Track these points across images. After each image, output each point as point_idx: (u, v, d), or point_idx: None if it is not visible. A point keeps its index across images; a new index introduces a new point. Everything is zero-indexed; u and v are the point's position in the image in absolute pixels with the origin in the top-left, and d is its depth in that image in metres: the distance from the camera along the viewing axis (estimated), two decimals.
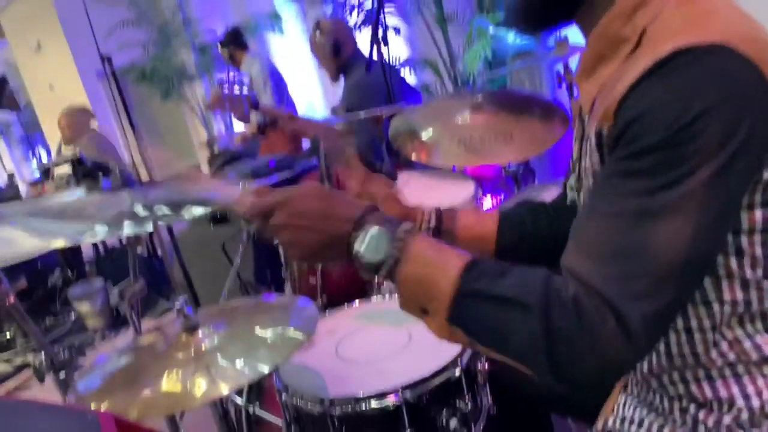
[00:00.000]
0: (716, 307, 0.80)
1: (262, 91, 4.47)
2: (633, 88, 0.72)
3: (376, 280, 0.83)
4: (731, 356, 0.81)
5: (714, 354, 0.82)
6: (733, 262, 0.77)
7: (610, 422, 1.00)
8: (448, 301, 0.76)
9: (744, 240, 0.77)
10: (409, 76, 4.87)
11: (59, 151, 5.10)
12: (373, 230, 0.82)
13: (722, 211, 0.71)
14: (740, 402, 0.81)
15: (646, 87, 0.71)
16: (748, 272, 0.78)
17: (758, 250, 0.77)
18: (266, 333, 1.19)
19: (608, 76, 0.80)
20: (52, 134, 8.42)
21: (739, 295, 0.79)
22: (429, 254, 0.80)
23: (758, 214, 0.75)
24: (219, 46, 4.79)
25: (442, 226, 1.16)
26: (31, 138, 9.65)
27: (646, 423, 0.92)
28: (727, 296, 0.79)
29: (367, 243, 0.82)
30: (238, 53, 4.72)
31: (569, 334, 0.69)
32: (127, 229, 1.24)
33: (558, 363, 0.69)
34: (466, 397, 1.24)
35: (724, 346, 0.81)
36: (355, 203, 0.87)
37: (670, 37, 0.72)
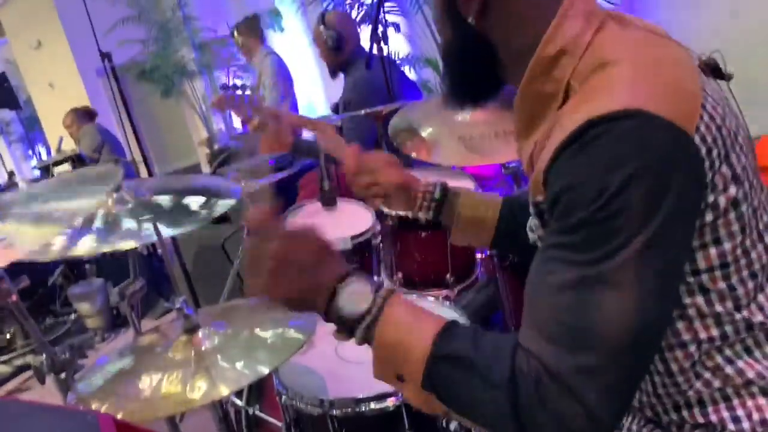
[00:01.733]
0: (693, 347, 0.80)
1: (270, 89, 4.41)
2: (553, 161, 0.72)
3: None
4: (716, 383, 0.81)
5: (699, 385, 0.82)
6: (701, 300, 0.78)
7: None
8: (423, 366, 0.76)
9: (705, 278, 0.77)
10: (409, 73, 4.86)
11: (59, 148, 5.10)
12: (357, 285, 0.82)
13: (665, 275, 0.71)
14: (731, 426, 0.81)
15: (565, 160, 0.71)
16: (718, 307, 0.78)
17: (721, 285, 0.77)
18: (266, 334, 1.19)
19: (542, 132, 0.80)
20: (52, 132, 8.42)
21: (715, 331, 0.79)
22: (406, 318, 0.79)
23: (713, 251, 0.75)
24: (235, 31, 4.64)
25: (445, 201, 1.16)
26: (31, 136, 9.65)
27: None
28: (702, 335, 0.79)
29: (349, 296, 0.81)
30: (252, 42, 4.62)
31: (533, 411, 0.69)
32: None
33: None
34: None
35: (708, 375, 0.81)
36: (344, 262, 0.86)
37: (582, 104, 0.72)
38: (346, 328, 0.82)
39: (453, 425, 1.20)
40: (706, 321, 0.78)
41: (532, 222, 0.94)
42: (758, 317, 0.79)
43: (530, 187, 0.80)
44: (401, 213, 1.90)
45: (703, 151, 0.71)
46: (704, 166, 0.71)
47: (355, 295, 0.81)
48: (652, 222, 0.67)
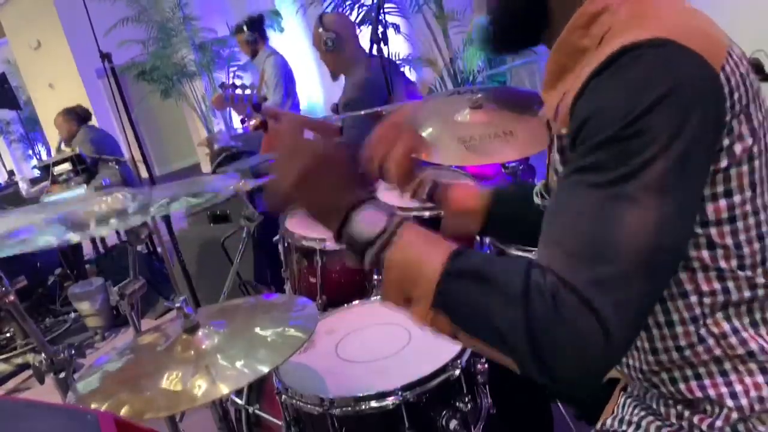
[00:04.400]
0: (694, 298, 0.81)
1: (273, 89, 4.40)
2: (584, 87, 0.75)
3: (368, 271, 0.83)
4: (717, 351, 0.82)
5: (700, 348, 0.82)
6: (706, 255, 0.79)
7: (608, 423, 1.00)
8: (435, 283, 0.76)
9: (713, 231, 0.78)
10: (409, 74, 4.87)
11: (59, 148, 5.09)
12: (373, 208, 0.83)
13: (684, 199, 0.73)
14: (729, 402, 0.82)
15: (595, 85, 0.74)
16: (722, 263, 0.79)
17: (729, 241, 0.78)
18: (266, 333, 1.19)
19: (570, 84, 0.82)
20: (52, 132, 8.42)
21: (716, 284, 0.80)
22: (418, 241, 0.80)
23: (722, 203, 0.77)
24: (244, 28, 4.62)
25: (434, 195, 1.18)
26: (31, 136, 9.66)
27: (644, 424, 0.92)
28: (704, 287, 0.80)
29: (364, 217, 0.82)
30: (259, 41, 4.61)
31: (548, 325, 0.69)
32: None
33: (539, 353, 0.69)
34: (466, 397, 1.24)
35: (711, 341, 0.82)
36: (366, 191, 0.87)
37: (618, 38, 0.75)
38: (357, 250, 0.83)
39: (453, 424, 1.20)
40: (708, 274, 0.80)
41: (540, 186, 0.97)
42: (761, 279, 0.80)
43: (555, 124, 0.82)
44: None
45: (726, 89, 0.74)
46: (725, 105, 0.74)
47: (368, 220, 0.82)
48: (676, 143, 0.70)
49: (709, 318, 0.81)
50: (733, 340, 0.81)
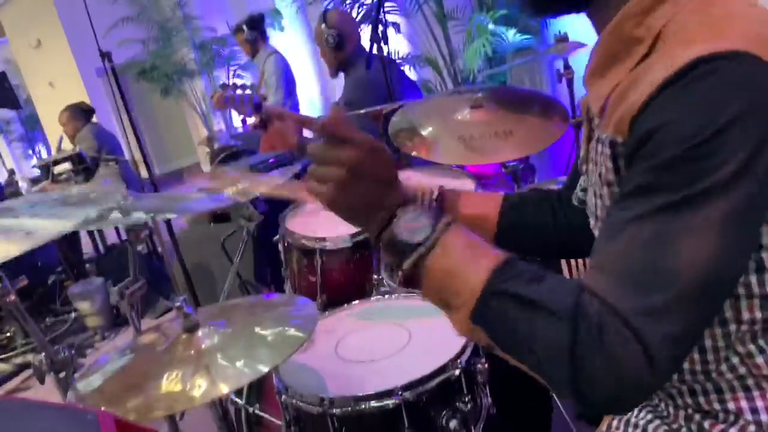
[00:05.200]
0: (733, 327, 0.77)
1: (273, 88, 4.39)
2: (652, 98, 0.68)
3: (395, 270, 0.81)
4: (742, 370, 0.79)
5: (724, 368, 0.80)
6: (754, 280, 0.74)
7: (614, 424, 0.99)
8: (475, 299, 0.73)
9: (765, 256, 0.73)
10: (409, 73, 4.86)
11: (59, 147, 5.09)
12: (418, 212, 0.80)
13: (749, 230, 0.69)
14: (748, 416, 0.80)
15: (666, 98, 0.67)
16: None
17: None
18: (266, 332, 1.19)
19: (621, 78, 0.77)
20: (52, 131, 8.43)
21: (758, 314, 0.76)
22: (462, 248, 0.77)
23: None
24: (244, 28, 4.62)
25: (443, 205, 1.14)
26: (31, 135, 9.66)
27: (650, 428, 0.91)
28: (745, 315, 0.76)
29: (409, 222, 0.79)
30: (259, 40, 4.60)
31: (592, 350, 0.66)
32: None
33: (579, 377, 0.67)
34: (466, 397, 1.24)
35: (735, 360, 0.79)
36: (411, 189, 0.85)
37: (688, 43, 0.69)
38: (397, 253, 0.80)
39: (453, 424, 1.20)
40: (752, 301, 0.75)
41: (583, 181, 0.91)
42: None
43: (606, 124, 0.77)
44: None
45: None
46: None
47: (416, 222, 0.79)
48: (751, 170, 0.64)
49: (738, 341, 0.78)
50: (759, 360, 0.78)
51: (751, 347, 0.78)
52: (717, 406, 0.82)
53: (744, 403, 0.80)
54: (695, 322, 0.68)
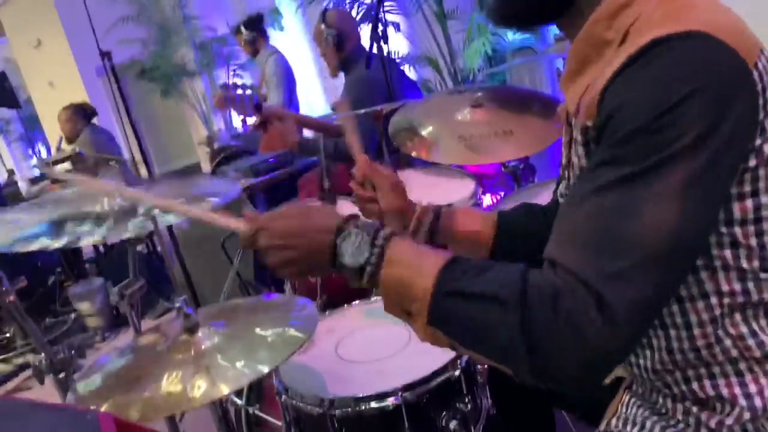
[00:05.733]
0: (714, 299, 0.79)
1: (274, 88, 4.39)
2: (613, 79, 0.72)
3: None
4: (734, 352, 0.81)
5: (717, 350, 0.81)
6: (729, 255, 0.77)
7: (613, 423, 0.99)
8: (428, 302, 0.76)
9: (738, 231, 0.76)
10: (409, 73, 4.86)
11: (59, 147, 5.09)
12: (354, 237, 0.83)
13: (710, 196, 0.71)
14: (742, 402, 0.81)
15: (626, 77, 0.71)
16: (744, 263, 0.77)
17: (752, 242, 0.76)
18: (266, 333, 1.19)
19: (594, 77, 0.80)
20: (52, 131, 8.43)
21: (737, 285, 0.78)
22: (408, 256, 0.80)
23: (749, 203, 0.75)
24: (243, 29, 4.61)
25: (439, 224, 1.17)
26: (31, 135, 9.65)
27: (648, 425, 0.92)
28: (724, 287, 0.78)
29: (348, 249, 0.83)
30: (259, 40, 4.60)
31: (547, 325, 0.67)
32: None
33: (539, 357, 0.68)
34: (466, 397, 1.24)
35: (728, 342, 0.80)
36: (334, 213, 0.87)
37: (649, 30, 0.72)
38: (353, 278, 0.83)
39: (453, 425, 1.20)
40: (729, 274, 0.78)
41: (563, 187, 0.96)
42: None
43: (580, 116, 0.79)
44: None
45: (759, 87, 0.71)
46: (759, 102, 0.71)
47: (354, 247, 0.82)
48: (708, 139, 0.67)
49: (727, 319, 0.80)
50: (750, 342, 0.80)
51: (743, 329, 0.80)
52: (711, 392, 0.83)
53: (737, 389, 0.81)
54: (660, 287, 0.70)
